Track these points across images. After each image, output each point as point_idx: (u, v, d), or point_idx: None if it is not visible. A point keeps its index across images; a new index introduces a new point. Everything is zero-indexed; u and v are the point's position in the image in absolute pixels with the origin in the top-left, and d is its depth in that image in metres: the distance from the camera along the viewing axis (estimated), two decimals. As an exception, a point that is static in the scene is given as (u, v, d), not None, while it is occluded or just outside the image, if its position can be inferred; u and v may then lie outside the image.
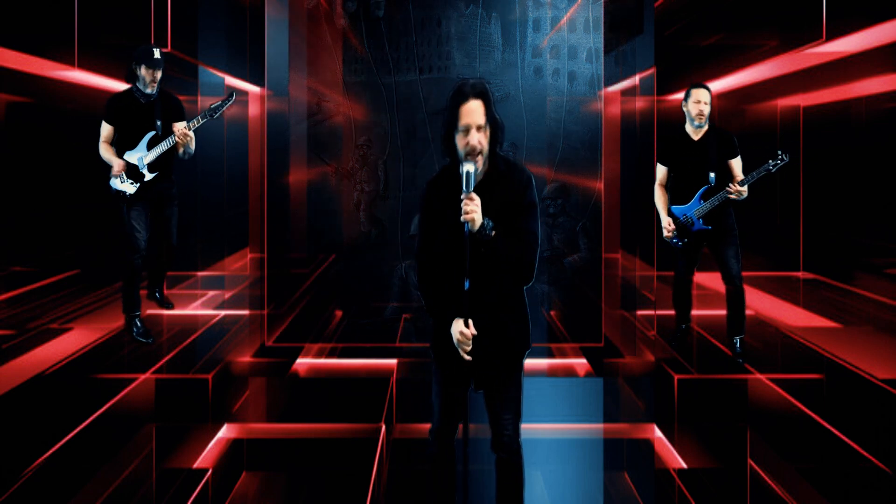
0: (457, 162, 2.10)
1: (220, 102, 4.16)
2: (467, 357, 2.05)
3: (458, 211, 2.01)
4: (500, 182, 2.09)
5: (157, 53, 4.07)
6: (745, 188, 3.79)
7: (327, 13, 6.58)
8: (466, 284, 2.01)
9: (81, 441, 3.10)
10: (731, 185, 3.82)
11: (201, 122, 4.11)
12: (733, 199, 3.87)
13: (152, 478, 2.87)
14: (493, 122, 2.07)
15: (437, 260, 2.12)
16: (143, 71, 4.08)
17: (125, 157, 4.14)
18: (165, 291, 4.95)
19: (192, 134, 4.07)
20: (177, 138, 4.04)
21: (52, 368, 3.87)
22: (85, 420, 3.26)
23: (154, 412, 3.50)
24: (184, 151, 4.15)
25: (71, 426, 3.18)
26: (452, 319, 2.11)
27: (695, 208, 3.97)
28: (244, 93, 6.70)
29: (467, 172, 1.98)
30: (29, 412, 3.43)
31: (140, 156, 4.14)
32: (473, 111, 2.02)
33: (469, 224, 1.96)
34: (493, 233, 2.00)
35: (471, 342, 2.03)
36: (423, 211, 2.16)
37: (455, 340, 2.05)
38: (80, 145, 4.19)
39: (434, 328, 2.23)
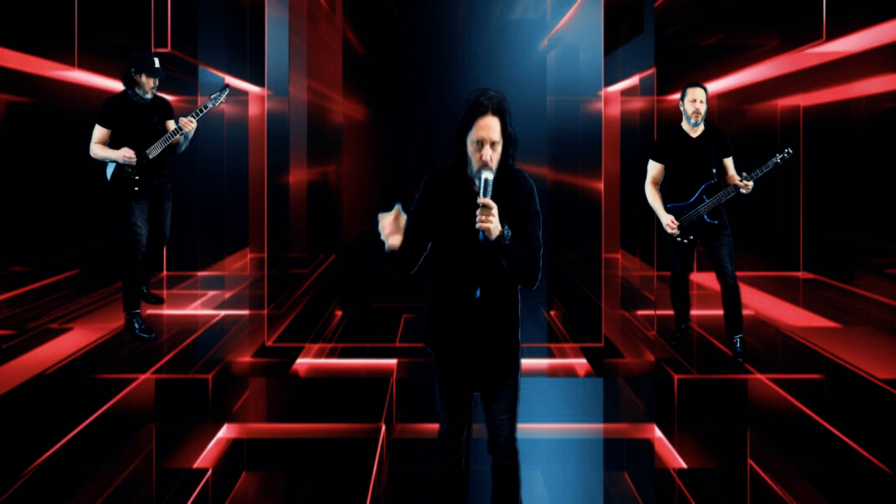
0: (462, 163, 2.12)
1: (216, 94, 4.30)
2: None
3: (458, 212, 2.02)
4: (507, 191, 2.10)
5: (157, 63, 4.24)
6: (751, 182, 3.87)
7: (327, 13, 6.58)
8: (478, 293, 2.03)
9: (81, 441, 3.10)
10: (741, 180, 3.87)
11: (201, 114, 4.26)
12: (730, 197, 3.94)
13: (152, 478, 2.87)
14: (507, 138, 2.08)
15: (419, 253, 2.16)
16: (143, 78, 4.20)
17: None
18: (165, 291, 4.95)
19: (195, 124, 4.23)
20: (184, 128, 4.19)
21: (52, 368, 3.87)
22: (85, 420, 3.26)
23: (154, 412, 3.50)
24: (181, 143, 4.33)
25: (71, 426, 3.18)
26: (455, 324, 2.12)
27: (699, 205, 3.97)
28: (244, 93, 6.70)
29: (486, 180, 1.98)
30: (29, 412, 3.43)
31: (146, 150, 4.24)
32: (489, 127, 2.03)
33: (485, 232, 1.96)
34: (510, 241, 2.00)
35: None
36: (416, 204, 2.16)
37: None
38: (80, 145, 4.20)
39: (428, 322, 2.23)
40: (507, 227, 1.99)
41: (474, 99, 2.06)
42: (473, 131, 2.04)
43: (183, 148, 4.38)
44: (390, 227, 2.05)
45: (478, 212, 1.94)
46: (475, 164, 2.06)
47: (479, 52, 6.32)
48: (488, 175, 1.98)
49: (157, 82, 4.25)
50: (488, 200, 1.94)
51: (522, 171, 2.17)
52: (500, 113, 2.05)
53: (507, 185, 2.11)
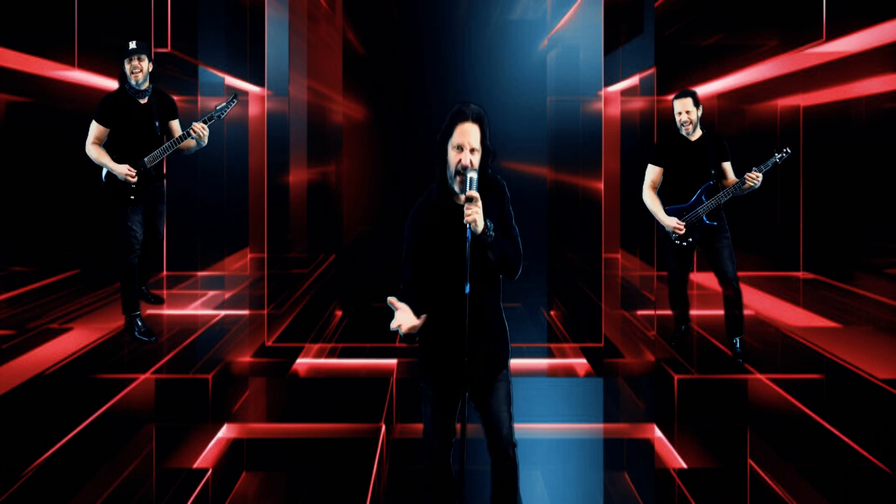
0: (444, 178, 2.21)
1: (224, 104, 4.15)
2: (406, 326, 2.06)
3: (448, 228, 2.13)
4: (487, 193, 2.23)
5: (132, 44, 4.05)
6: (759, 175, 3.84)
7: (327, 13, 6.58)
8: (468, 288, 2.08)
9: (81, 441, 3.10)
10: (747, 174, 3.85)
11: (211, 120, 4.11)
12: (729, 198, 3.93)
13: (152, 478, 2.87)
14: (486, 149, 2.19)
15: (424, 285, 2.20)
16: (126, 65, 4.05)
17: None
18: (165, 291, 4.95)
19: (207, 130, 4.09)
20: (195, 135, 4.05)
21: (52, 368, 3.87)
22: (85, 420, 3.26)
23: (154, 412, 3.50)
24: (196, 145, 4.20)
25: (71, 426, 3.18)
26: (445, 324, 2.20)
27: (698, 206, 3.97)
28: (244, 93, 6.70)
29: (471, 178, 2.08)
30: (29, 412, 3.43)
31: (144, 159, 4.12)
32: (469, 133, 2.15)
33: (472, 226, 2.05)
34: (494, 233, 2.10)
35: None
36: (408, 240, 2.23)
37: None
38: (80, 145, 4.18)
39: (423, 336, 2.29)
40: (488, 220, 2.11)
41: (457, 109, 2.20)
42: (454, 136, 2.17)
43: (194, 150, 4.24)
44: (403, 319, 2.08)
45: (465, 205, 2.05)
46: (453, 166, 2.16)
47: (479, 52, 6.32)
48: (472, 174, 2.10)
49: (140, 63, 4.04)
50: (474, 192, 2.06)
51: (494, 175, 2.31)
52: (480, 122, 2.19)
53: (486, 188, 2.24)
